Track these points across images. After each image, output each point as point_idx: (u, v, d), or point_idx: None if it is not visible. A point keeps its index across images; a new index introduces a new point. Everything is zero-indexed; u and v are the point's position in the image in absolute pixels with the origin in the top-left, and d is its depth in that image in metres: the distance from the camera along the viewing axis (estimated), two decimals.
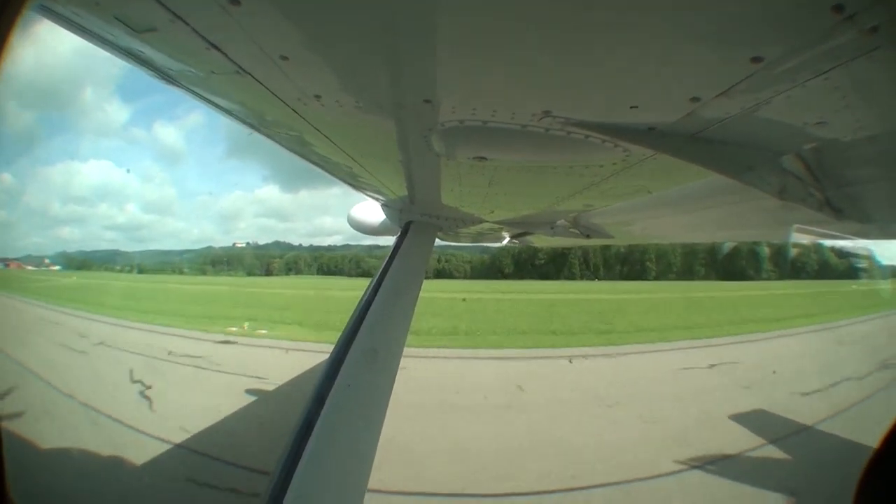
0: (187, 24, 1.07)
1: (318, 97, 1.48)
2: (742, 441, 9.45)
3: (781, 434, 9.66)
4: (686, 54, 1.04)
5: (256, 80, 1.36)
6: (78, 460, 8.50)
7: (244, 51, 1.20)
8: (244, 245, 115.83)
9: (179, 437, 9.23)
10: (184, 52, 1.32)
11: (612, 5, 0.88)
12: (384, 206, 4.81)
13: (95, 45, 1.38)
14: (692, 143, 1.46)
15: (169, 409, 10.87)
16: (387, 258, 3.53)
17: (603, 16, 0.92)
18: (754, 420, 10.51)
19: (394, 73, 1.31)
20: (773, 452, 8.96)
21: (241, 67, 1.29)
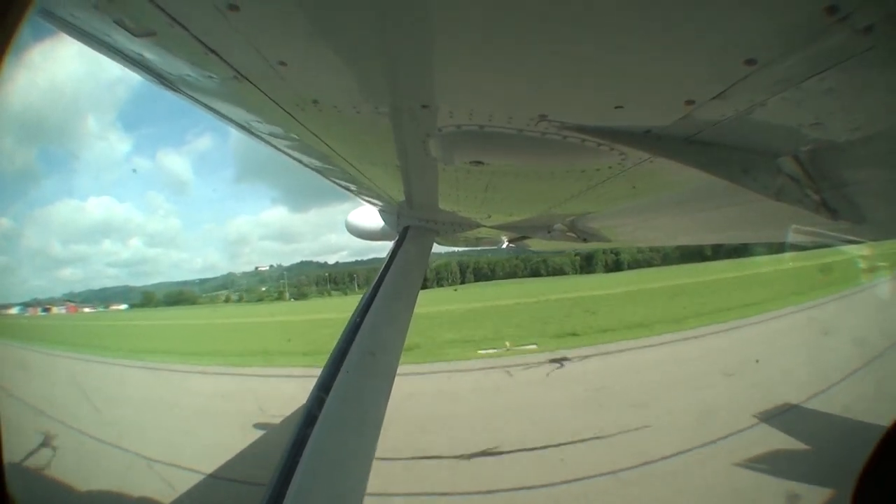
0: (186, 28, 1.08)
1: (315, 102, 1.48)
2: None
3: None
4: (680, 57, 1.05)
5: (254, 85, 1.36)
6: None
7: (242, 56, 1.21)
8: (267, 268, 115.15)
9: None
10: (182, 57, 1.33)
11: (607, 9, 0.89)
12: (382, 211, 4.81)
13: (95, 49, 1.39)
14: (688, 146, 1.47)
15: None
16: (384, 263, 3.53)
17: (597, 20, 0.93)
18: None
19: (391, 78, 1.31)
20: None
21: (239, 72, 1.29)
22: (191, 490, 8.75)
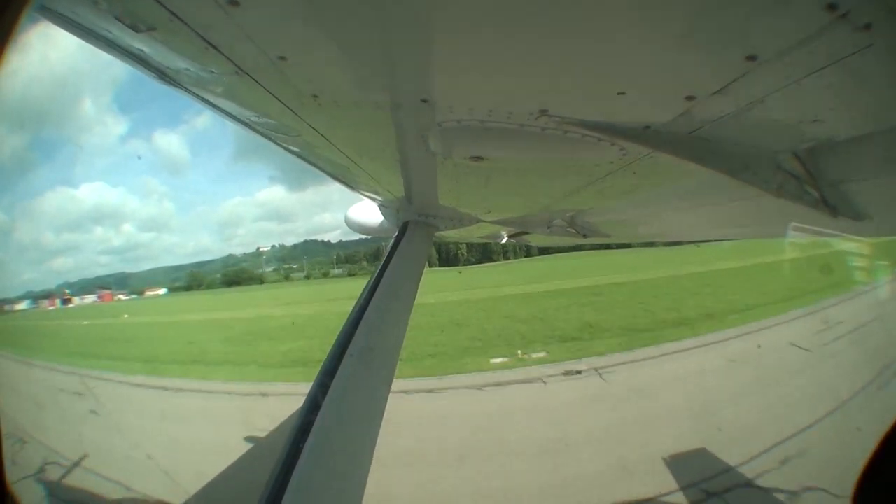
0: (186, 23, 1.08)
1: (315, 97, 1.48)
2: None
3: None
4: (681, 53, 1.05)
5: (255, 80, 1.36)
6: None
7: (242, 51, 1.21)
8: (269, 248, 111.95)
9: None
10: (182, 52, 1.32)
11: (608, 4, 0.89)
12: (381, 206, 4.81)
13: (94, 45, 1.38)
14: (688, 142, 1.47)
15: None
16: (384, 258, 3.53)
17: (598, 15, 0.93)
18: None
19: (391, 72, 1.31)
20: None
21: (239, 67, 1.29)
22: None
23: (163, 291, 78.05)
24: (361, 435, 2.45)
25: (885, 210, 1.74)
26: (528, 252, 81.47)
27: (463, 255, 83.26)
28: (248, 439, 10.30)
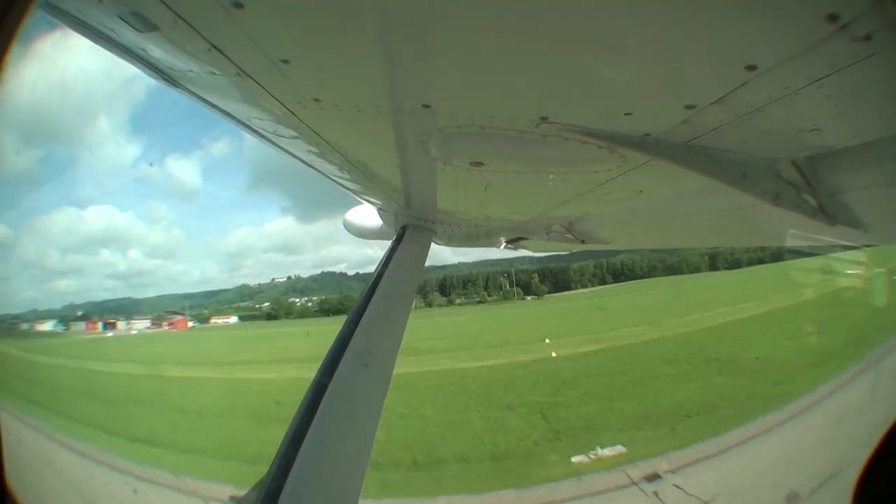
0: (190, 25, 1.08)
1: (317, 101, 1.49)
2: None
3: None
4: (681, 62, 1.06)
5: (257, 82, 1.36)
6: None
7: (245, 53, 1.21)
8: (284, 279, 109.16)
9: None
10: (186, 53, 1.33)
11: (609, 14, 0.90)
12: (380, 210, 4.80)
13: (99, 44, 1.38)
14: (687, 150, 1.48)
15: None
16: (381, 262, 3.53)
17: (600, 24, 0.93)
18: None
19: (393, 77, 1.32)
20: None
21: (241, 70, 1.29)
22: None
23: (234, 319, 72.06)
24: (358, 436, 2.45)
25: (884, 218, 1.75)
26: (602, 279, 78.88)
27: (535, 283, 77.61)
28: None
